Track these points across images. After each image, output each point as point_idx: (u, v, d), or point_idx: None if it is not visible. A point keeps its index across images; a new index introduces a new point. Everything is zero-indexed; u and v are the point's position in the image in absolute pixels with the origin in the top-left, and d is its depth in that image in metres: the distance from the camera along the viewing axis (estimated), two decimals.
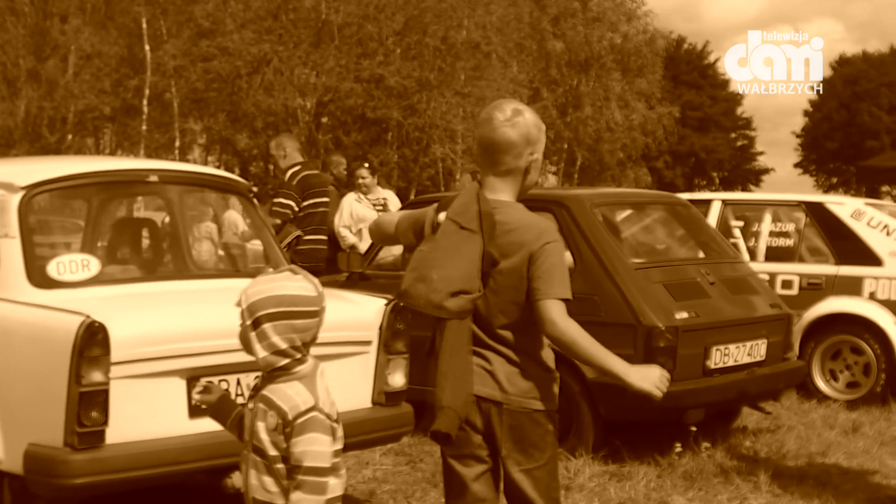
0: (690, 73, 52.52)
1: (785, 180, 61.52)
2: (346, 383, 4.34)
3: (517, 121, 2.80)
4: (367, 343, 4.44)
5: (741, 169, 56.16)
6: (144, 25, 26.27)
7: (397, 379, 4.49)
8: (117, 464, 3.65)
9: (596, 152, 36.76)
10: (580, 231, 5.66)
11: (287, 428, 2.38)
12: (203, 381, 2.73)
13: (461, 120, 28.58)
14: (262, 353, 2.42)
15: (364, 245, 7.54)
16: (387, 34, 27.61)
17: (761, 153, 57.96)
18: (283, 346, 2.40)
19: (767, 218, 7.96)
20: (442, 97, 28.33)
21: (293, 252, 6.85)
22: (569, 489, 5.02)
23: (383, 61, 27.15)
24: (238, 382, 3.99)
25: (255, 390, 2.51)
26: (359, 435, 4.41)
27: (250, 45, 25.39)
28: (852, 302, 7.30)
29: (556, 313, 2.78)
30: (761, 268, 7.66)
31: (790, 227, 7.87)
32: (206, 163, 39.70)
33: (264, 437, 2.42)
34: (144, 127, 27.40)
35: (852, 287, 7.32)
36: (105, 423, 3.60)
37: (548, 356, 2.93)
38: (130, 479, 3.72)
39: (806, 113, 55.67)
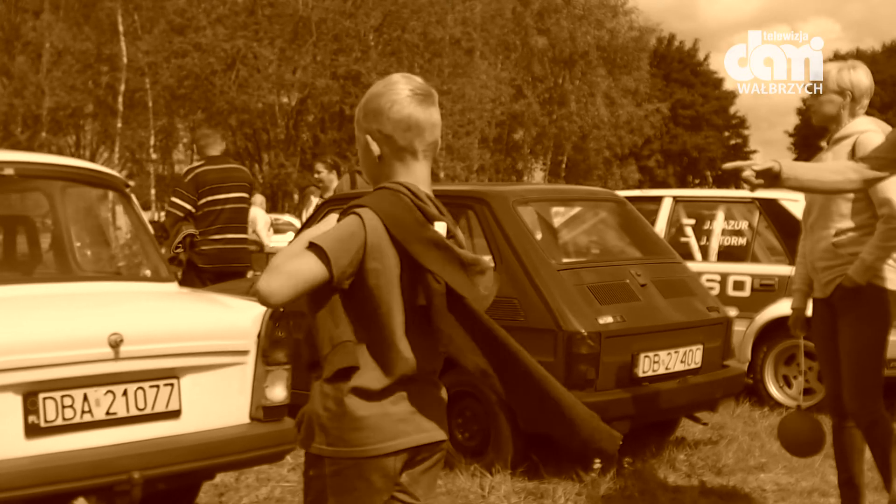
0: (682, 72, 52.17)
1: None
2: (220, 397, 3.97)
3: (436, 99, 2.37)
4: (244, 353, 4.02)
5: None
6: (120, 20, 25.82)
7: (277, 392, 4.09)
8: None
9: (582, 150, 36.30)
10: (501, 229, 5.27)
11: None
12: None
13: (441, 118, 28.09)
14: None
15: None
16: (364, 30, 27.17)
17: (754, 152, 57.60)
18: None
19: (720, 216, 7.56)
20: None
21: (194, 252, 6.49)
22: None
23: (360, 57, 26.70)
24: (85, 398, 3.59)
25: None
26: (234, 454, 4.02)
27: (224, 41, 24.95)
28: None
29: None
30: (713, 268, 7.29)
31: (743, 226, 7.47)
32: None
33: None
34: (120, 125, 26.96)
35: None
36: None
37: None
38: None
39: (799, 112, 55.29)
